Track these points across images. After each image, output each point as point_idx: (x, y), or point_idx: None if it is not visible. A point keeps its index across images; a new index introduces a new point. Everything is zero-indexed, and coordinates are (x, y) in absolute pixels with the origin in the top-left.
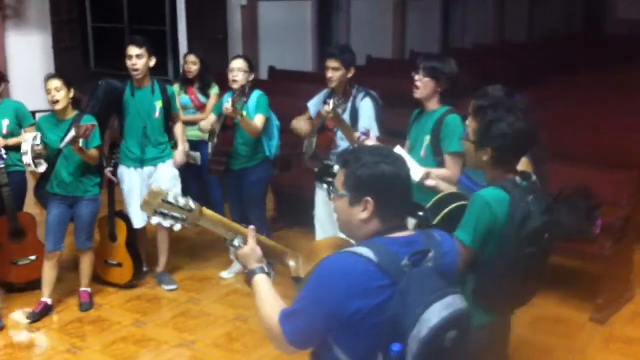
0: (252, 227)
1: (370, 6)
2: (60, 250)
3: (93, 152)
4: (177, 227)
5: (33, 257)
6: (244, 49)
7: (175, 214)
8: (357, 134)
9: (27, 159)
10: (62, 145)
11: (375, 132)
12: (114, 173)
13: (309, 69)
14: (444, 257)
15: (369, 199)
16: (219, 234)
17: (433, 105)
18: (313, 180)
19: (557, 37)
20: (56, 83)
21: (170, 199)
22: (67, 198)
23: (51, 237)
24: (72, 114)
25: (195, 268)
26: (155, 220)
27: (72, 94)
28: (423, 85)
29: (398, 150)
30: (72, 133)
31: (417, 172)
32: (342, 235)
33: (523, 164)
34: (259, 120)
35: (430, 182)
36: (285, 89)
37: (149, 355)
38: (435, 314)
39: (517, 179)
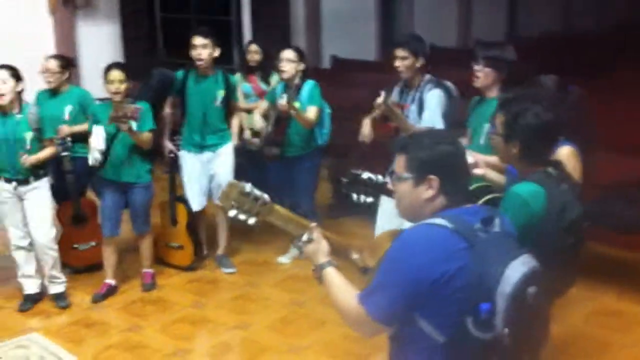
0: (315, 231)
1: None
2: (117, 235)
3: (146, 135)
4: (252, 220)
5: (93, 243)
6: (306, 38)
7: (248, 206)
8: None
9: (97, 154)
10: (108, 122)
11: (439, 125)
12: (175, 159)
13: (372, 57)
14: (506, 225)
15: (433, 176)
16: (286, 230)
17: (493, 93)
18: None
19: (629, 24)
20: (119, 75)
21: (247, 190)
22: (120, 184)
23: (107, 222)
24: (125, 102)
25: (253, 252)
26: (232, 213)
27: (129, 85)
28: (484, 75)
29: None
30: (112, 113)
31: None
32: (407, 225)
33: (569, 154)
34: (312, 112)
35: (478, 171)
36: (347, 78)
37: (206, 335)
38: (515, 270)
39: (549, 169)
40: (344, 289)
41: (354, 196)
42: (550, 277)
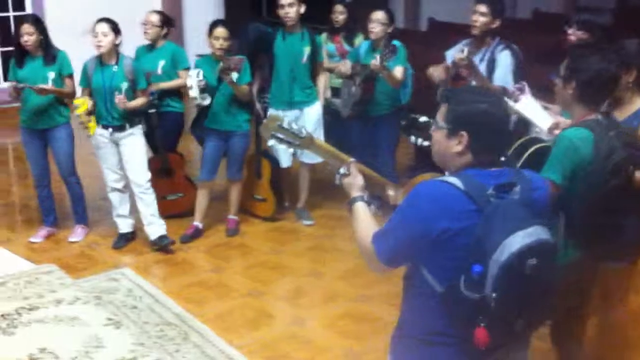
0: (352, 166)
1: None
2: (212, 180)
3: (244, 87)
4: (290, 150)
5: (180, 194)
6: (405, 1)
7: (289, 139)
8: (511, 88)
9: (194, 92)
10: (215, 75)
11: (509, 84)
12: (264, 113)
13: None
14: (533, 191)
15: (464, 133)
16: (326, 160)
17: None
18: None
19: None
20: (223, 32)
21: (285, 124)
22: (222, 132)
23: (206, 167)
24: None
25: (332, 208)
26: (271, 142)
27: (232, 42)
28: (576, 37)
29: (530, 100)
30: (221, 65)
31: (546, 121)
32: None
33: None
34: (398, 72)
35: (558, 132)
36: (443, 41)
37: (281, 280)
38: (517, 240)
39: (599, 117)
40: (365, 225)
41: (412, 138)
42: (603, 222)
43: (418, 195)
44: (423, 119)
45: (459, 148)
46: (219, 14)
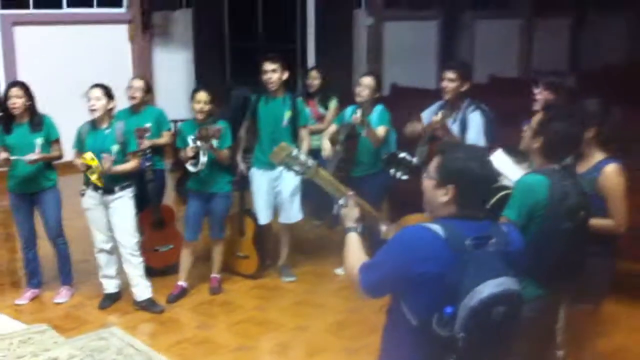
0: (351, 199)
1: (495, 26)
2: (196, 240)
3: (224, 152)
4: (297, 176)
5: (171, 245)
6: (368, 67)
7: (296, 167)
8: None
9: (204, 159)
10: (190, 142)
11: (481, 143)
12: (244, 178)
13: (432, 87)
14: (508, 245)
15: (451, 186)
16: (326, 191)
17: (537, 118)
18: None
19: None
20: (205, 97)
21: (294, 154)
22: (204, 194)
23: (190, 228)
24: (208, 120)
25: (313, 264)
26: (280, 168)
27: (212, 107)
28: (542, 96)
29: (499, 154)
30: (198, 133)
31: (516, 174)
32: None
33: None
34: (381, 130)
35: None
36: (406, 105)
37: (268, 334)
38: (487, 288)
39: (556, 167)
40: (355, 256)
41: (391, 172)
42: (558, 261)
43: (403, 239)
44: (402, 155)
45: (444, 199)
46: (190, 78)
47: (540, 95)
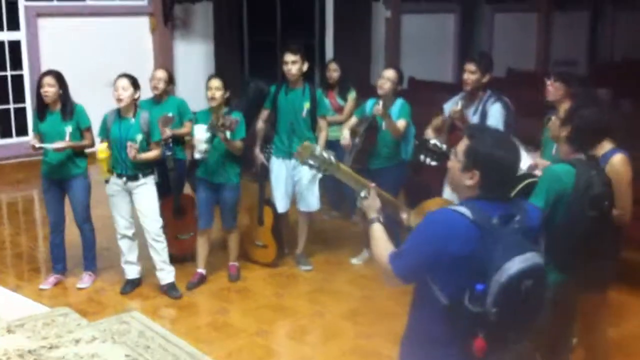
0: (372, 190)
1: (514, 18)
2: (210, 227)
3: (238, 143)
4: (319, 175)
5: (192, 233)
6: (386, 59)
7: (319, 165)
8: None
9: (202, 145)
10: (206, 130)
11: None
12: (264, 169)
13: (449, 80)
14: (530, 221)
15: (477, 172)
16: (349, 184)
17: (564, 106)
18: (442, 182)
19: None
20: (217, 83)
21: (317, 152)
22: (212, 184)
23: (203, 217)
24: (223, 110)
25: (329, 254)
26: (304, 166)
27: (227, 94)
28: (554, 88)
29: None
30: (211, 121)
31: (525, 161)
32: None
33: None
34: (401, 124)
35: (537, 172)
36: (423, 98)
37: (285, 320)
38: (515, 264)
39: (583, 156)
40: (382, 245)
41: (421, 157)
42: (581, 248)
43: (432, 222)
44: (433, 141)
45: (470, 182)
46: (210, 70)
47: (552, 86)
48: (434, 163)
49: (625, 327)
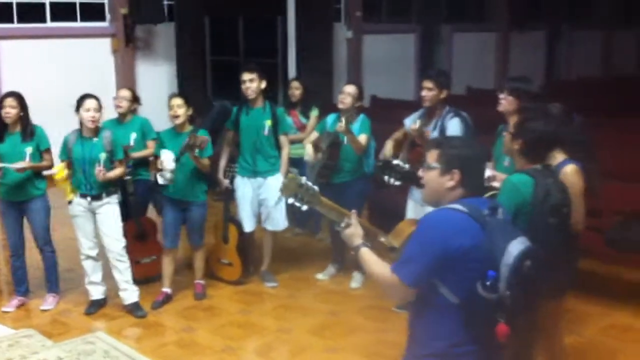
0: (353, 217)
1: (473, 39)
2: (176, 247)
3: (205, 161)
4: (304, 207)
5: (154, 257)
6: (348, 78)
7: (305, 198)
8: None
9: (168, 174)
10: (180, 152)
11: None
12: (231, 183)
13: (411, 98)
14: (505, 214)
15: (456, 171)
16: (329, 216)
17: (514, 119)
18: (406, 195)
19: None
20: (178, 101)
21: (303, 182)
22: (181, 202)
23: (169, 236)
24: (188, 128)
25: (295, 270)
26: (291, 201)
27: (190, 112)
28: (507, 102)
29: None
30: (187, 141)
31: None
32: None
33: (572, 171)
34: (363, 138)
35: (495, 184)
36: (385, 116)
37: (251, 337)
38: (515, 247)
39: (539, 166)
40: (378, 264)
41: (385, 178)
42: (543, 255)
43: (432, 222)
44: (396, 161)
45: (451, 184)
46: (172, 90)
47: (505, 100)
48: (397, 183)
49: (582, 334)
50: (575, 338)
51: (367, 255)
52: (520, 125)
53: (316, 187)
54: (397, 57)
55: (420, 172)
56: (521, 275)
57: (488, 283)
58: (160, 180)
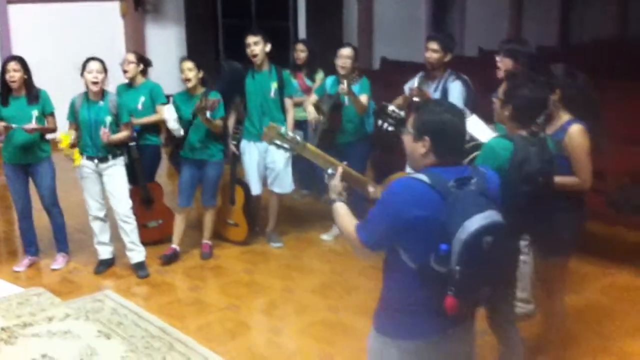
0: (340, 167)
1: (486, 1)
2: (190, 206)
3: (218, 122)
4: (288, 153)
5: (160, 221)
6: (358, 42)
7: (285, 145)
8: None
9: (172, 124)
10: (192, 114)
11: None
12: (237, 146)
13: (421, 60)
14: (487, 183)
15: (427, 138)
16: (316, 163)
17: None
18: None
19: None
20: (189, 64)
21: (282, 132)
22: (196, 161)
23: (184, 194)
24: (200, 90)
25: (300, 231)
26: (272, 147)
27: (200, 74)
28: (503, 64)
29: (474, 119)
30: (198, 103)
31: (488, 136)
32: None
33: (578, 131)
34: (364, 99)
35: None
36: (394, 78)
37: (256, 294)
38: (475, 222)
39: (524, 133)
40: (347, 220)
41: (379, 122)
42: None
43: (393, 190)
44: (391, 107)
45: (423, 150)
46: (182, 54)
47: (502, 63)
48: (391, 128)
49: (584, 295)
50: (574, 297)
51: (340, 209)
52: (509, 92)
53: (298, 137)
54: (408, 18)
55: (401, 135)
56: (476, 251)
57: (439, 256)
58: (176, 133)
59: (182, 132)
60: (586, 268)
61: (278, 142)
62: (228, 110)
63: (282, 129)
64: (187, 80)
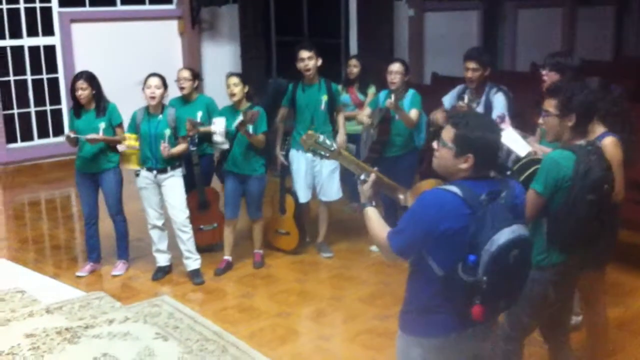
0: (373, 174)
1: (538, 15)
2: (236, 218)
3: (260, 136)
4: (325, 159)
5: (215, 225)
6: (409, 57)
7: (322, 151)
8: (493, 117)
9: (219, 137)
10: (233, 126)
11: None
12: (286, 157)
13: None
14: (515, 198)
15: (470, 155)
16: (350, 169)
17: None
18: None
19: None
20: (234, 79)
21: (320, 140)
22: (239, 175)
23: (229, 207)
24: (245, 105)
25: (349, 243)
26: (308, 154)
27: (246, 89)
28: (549, 78)
29: (510, 131)
30: (240, 117)
31: (524, 149)
32: None
33: (612, 143)
34: (413, 113)
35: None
36: (445, 93)
37: (306, 303)
38: (504, 235)
39: (583, 142)
40: (378, 225)
41: (434, 144)
42: (581, 230)
43: (426, 202)
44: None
45: (465, 166)
46: (236, 70)
47: (548, 77)
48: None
49: (630, 306)
50: (622, 310)
51: (371, 214)
52: (567, 102)
53: (334, 144)
54: (459, 34)
55: (434, 145)
56: (503, 263)
57: (467, 266)
58: (220, 147)
59: (226, 146)
60: (631, 280)
61: (314, 149)
62: (271, 125)
63: (320, 137)
64: (233, 95)
